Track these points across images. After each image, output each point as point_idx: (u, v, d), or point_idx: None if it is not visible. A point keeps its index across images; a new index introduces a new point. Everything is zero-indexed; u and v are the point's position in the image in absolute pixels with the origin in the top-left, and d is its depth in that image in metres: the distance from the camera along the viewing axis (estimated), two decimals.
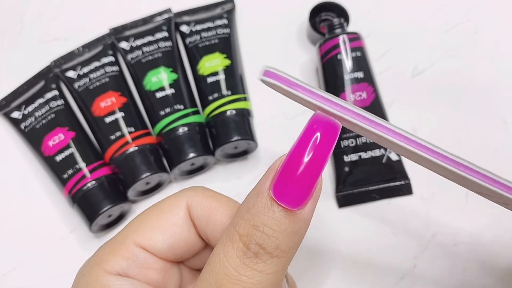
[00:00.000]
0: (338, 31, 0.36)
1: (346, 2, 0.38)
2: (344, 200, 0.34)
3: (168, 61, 0.36)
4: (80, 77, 0.36)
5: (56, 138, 0.34)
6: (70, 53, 0.37)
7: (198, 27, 0.37)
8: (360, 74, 0.34)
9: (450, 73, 0.38)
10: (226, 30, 0.37)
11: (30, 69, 0.37)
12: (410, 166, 0.34)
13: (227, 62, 0.36)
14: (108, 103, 0.34)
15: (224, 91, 0.34)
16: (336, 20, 0.36)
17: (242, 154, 0.35)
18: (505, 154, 0.35)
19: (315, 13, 0.38)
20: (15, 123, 0.35)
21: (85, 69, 0.36)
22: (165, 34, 0.37)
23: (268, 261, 0.16)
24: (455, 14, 0.40)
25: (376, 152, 0.34)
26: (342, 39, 0.35)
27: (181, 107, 0.34)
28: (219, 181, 0.35)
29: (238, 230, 0.16)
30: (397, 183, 0.34)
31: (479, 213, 0.33)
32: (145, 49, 0.36)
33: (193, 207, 0.20)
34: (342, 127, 0.16)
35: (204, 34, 0.37)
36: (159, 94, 0.34)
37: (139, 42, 0.37)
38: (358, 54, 0.35)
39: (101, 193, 0.32)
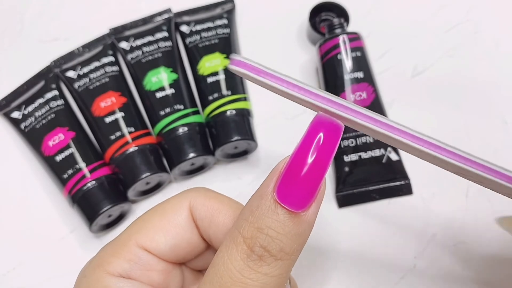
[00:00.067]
0: (338, 31, 0.36)
1: (346, 2, 0.38)
2: (344, 200, 0.34)
3: (168, 61, 0.36)
4: (80, 77, 0.36)
5: (56, 138, 0.34)
6: (70, 53, 0.37)
7: (198, 27, 0.37)
8: (360, 74, 0.34)
9: (450, 73, 0.38)
10: (226, 30, 0.37)
11: (30, 69, 0.37)
12: (410, 166, 0.34)
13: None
14: (108, 103, 0.34)
15: (224, 91, 0.34)
16: (336, 20, 0.36)
17: (242, 154, 0.35)
18: (505, 154, 0.35)
19: (315, 13, 0.38)
20: (15, 123, 0.35)
21: (85, 69, 0.36)
22: (165, 34, 0.37)
23: (273, 264, 0.16)
24: (455, 14, 0.40)
25: (376, 152, 0.34)
26: (342, 39, 0.35)
27: (181, 107, 0.34)
28: (219, 181, 0.35)
29: (242, 233, 0.16)
30: (397, 183, 0.34)
31: (479, 212, 0.33)
32: (145, 49, 0.36)
33: (196, 208, 0.20)
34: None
35: (204, 34, 0.37)
36: (159, 94, 0.34)
37: (139, 42, 0.37)
38: (358, 54, 0.35)
39: (101, 193, 0.32)
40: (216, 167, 0.36)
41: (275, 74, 0.16)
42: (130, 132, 0.33)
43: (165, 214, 0.20)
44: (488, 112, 0.36)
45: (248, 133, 0.34)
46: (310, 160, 0.15)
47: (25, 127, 0.35)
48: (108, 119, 0.34)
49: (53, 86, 0.36)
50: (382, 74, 0.38)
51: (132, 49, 0.36)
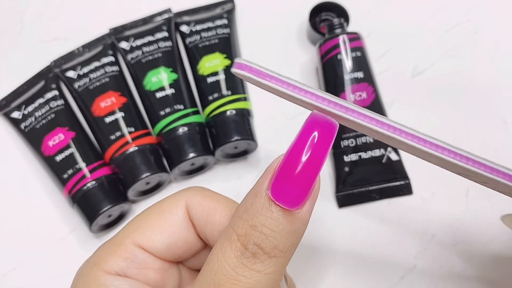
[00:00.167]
0: (338, 31, 0.36)
1: (346, 2, 0.38)
2: (344, 200, 0.34)
3: (168, 61, 0.36)
4: (80, 77, 0.36)
5: (56, 138, 0.34)
6: (70, 53, 0.37)
7: (198, 27, 0.37)
8: (360, 74, 0.34)
9: (450, 73, 0.38)
10: (226, 30, 0.37)
11: (30, 69, 0.37)
12: (410, 166, 0.34)
13: (227, 62, 0.36)
14: (108, 103, 0.34)
15: (224, 91, 0.34)
16: (336, 20, 0.36)
17: (242, 154, 0.35)
18: (505, 154, 0.35)
19: (315, 13, 0.38)
20: (15, 123, 0.35)
21: (85, 69, 0.36)
22: (165, 34, 0.37)
23: (266, 261, 0.16)
24: (455, 14, 0.40)
25: (376, 152, 0.34)
26: (342, 39, 0.35)
27: (181, 107, 0.34)
28: (219, 181, 0.35)
29: (236, 230, 0.16)
30: (397, 183, 0.34)
31: (479, 212, 0.33)
32: (145, 49, 0.36)
33: (192, 207, 0.20)
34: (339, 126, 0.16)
35: (204, 34, 0.37)
36: (159, 94, 0.34)
37: (139, 42, 0.37)
38: (358, 54, 0.35)
39: (101, 193, 0.32)
40: (216, 167, 0.36)
41: (279, 77, 0.16)
42: (130, 132, 0.33)
43: (161, 213, 0.20)
44: (488, 112, 0.36)
45: (248, 133, 0.34)
46: (304, 158, 0.15)
47: (25, 127, 0.35)
48: (108, 119, 0.34)
49: (53, 86, 0.36)
50: (382, 74, 0.38)
51: (132, 49, 0.36)
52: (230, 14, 0.39)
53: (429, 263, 0.32)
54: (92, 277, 0.18)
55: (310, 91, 0.16)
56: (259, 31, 0.40)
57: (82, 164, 0.33)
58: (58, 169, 0.33)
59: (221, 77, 0.35)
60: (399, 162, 0.34)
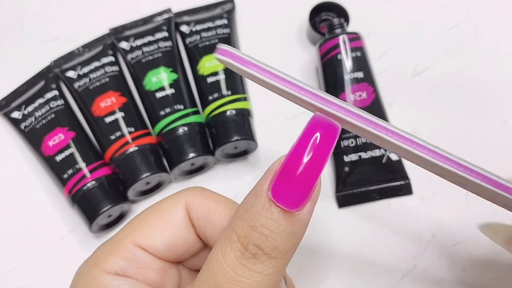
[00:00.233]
0: (338, 31, 0.36)
1: (346, 2, 0.38)
2: (344, 200, 0.34)
3: (168, 61, 0.36)
4: (80, 77, 0.36)
5: (56, 138, 0.34)
6: (70, 53, 0.37)
7: (198, 27, 0.37)
8: (360, 74, 0.34)
9: (450, 73, 0.38)
10: (226, 30, 0.37)
11: (30, 69, 0.37)
12: (410, 166, 0.34)
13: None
14: (108, 103, 0.34)
15: (224, 91, 0.34)
16: (336, 20, 0.36)
17: (242, 154, 0.35)
18: (505, 154, 0.35)
19: (315, 13, 0.38)
20: (15, 123, 0.35)
21: (85, 69, 0.36)
22: (165, 34, 0.37)
23: (266, 262, 0.16)
24: (455, 14, 0.40)
25: (376, 152, 0.34)
26: (342, 39, 0.35)
27: (181, 107, 0.34)
28: (219, 181, 0.35)
29: (236, 231, 0.16)
30: (397, 183, 0.34)
31: (479, 213, 0.33)
32: (145, 49, 0.36)
33: (192, 207, 0.20)
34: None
35: (204, 34, 0.37)
36: (159, 94, 0.34)
37: (139, 42, 0.37)
38: (358, 54, 0.35)
39: (101, 193, 0.32)
40: (216, 167, 0.36)
41: (261, 65, 0.16)
42: (130, 132, 0.33)
43: (161, 213, 0.20)
44: (488, 112, 0.36)
45: (248, 133, 0.34)
46: (305, 159, 0.15)
47: (25, 127, 0.35)
48: (108, 119, 0.34)
49: (53, 86, 0.36)
50: (382, 74, 0.38)
51: (132, 49, 0.36)
52: (230, 14, 0.39)
53: (429, 263, 0.32)
54: (92, 277, 0.18)
55: (292, 81, 0.16)
56: (259, 31, 0.40)
57: (82, 164, 0.33)
58: (58, 169, 0.33)
59: (221, 77, 0.35)
60: (399, 162, 0.34)
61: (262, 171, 0.35)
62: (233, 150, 0.35)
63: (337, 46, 0.35)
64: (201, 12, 0.39)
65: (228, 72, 0.35)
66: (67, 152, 0.33)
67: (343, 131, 0.34)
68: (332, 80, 0.35)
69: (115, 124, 0.34)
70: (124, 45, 0.37)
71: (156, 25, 0.38)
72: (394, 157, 0.34)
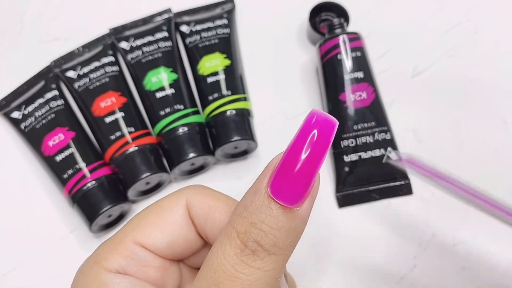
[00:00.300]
0: (338, 31, 0.36)
1: (346, 2, 0.38)
2: (344, 200, 0.34)
3: (168, 61, 0.36)
4: (80, 77, 0.36)
5: (56, 138, 0.34)
6: (70, 53, 0.37)
7: (198, 27, 0.37)
8: (360, 74, 0.34)
9: (450, 73, 0.38)
10: (226, 30, 0.37)
11: (30, 69, 0.37)
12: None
13: (227, 62, 0.36)
14: (108, 103, 0.34)
15: (224, 91, 0.34)
16: (336, 20, 0.36)
17: (242, 154, 0.35)
18: (505, 154, 0.35)
19: (315, 13, 0.38)
20: (15, 123, 0.35)
21: (85, 69, 0.36)
22: (165, 34, 0.37)
23: (266, 258, 0.16)
24: (455, 14, 0.40)
25: (376, 152, 0.34)
26: (342, 39, 0.35)
27: (181, 107, 0.34)
28: (219, 181, 0.35)
29: (236, 228, 0.16)
30: (397, 183, 0.34)
31: (478, 213, 0.33)
32: (145, 49, 0.36)
33: (192, 205, 0.20)
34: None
35: (204, 34, 0.37)
36: (159, 94, 0.34)
37: (139, 42, 0.37)
38: (358, 54, 0.35)
39: (101, 193, 0.32)
40: (216, 167, 0.36)
41: (448, 178, 0.16)
42: (130, 132, 0.33)
43: (162, 212, 0.20)
44: (488, 112, 0.36)
45: (248, 133, 0.34)
46: (303, 156, 0.16)
47: (25, 127, 0.35)
48: (108, 119, 0.34)
49: (53, 86, 0.36)
50: (382, 74, 0.38)
51: (132, 49, 0.36)
52: (230, 14, 0.39)
53: (429, 263, 0.32)
54: (93, 275, 0.18)
55: (489, 200, 0.16)
56: (259, 31, 0.40)
57: (82, 164, 0.33)
58: (58, 169, 0.33)
59: (221, 77, 0.35)
60: None
61: (262, 171, 0.35)
62: (233, 150, 0.35)
63: (337, 46, 0.35)
64: (201, 12, 0.39)
65: (228, 72, 0.35)
66: (67, 152, 0.33)
67: (343, 131, 0.34)
68: (332, 80, 0.35)
69: (115, 124, 0.34)
70: (124, 45, 0.37)
71: (156, 25, 0.38)
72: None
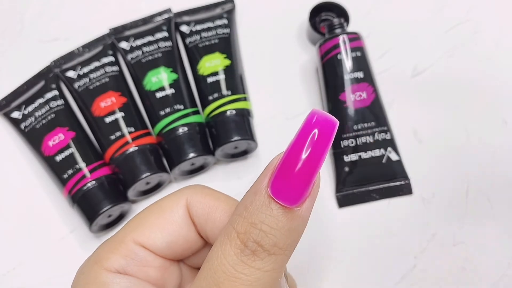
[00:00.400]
0: (338, 31, 0.36)
1: (346, 2, 0.38)
2: (344, 200, 0.34)
3: (168, 61, 0.36)
4: (80, 77, 0.36)
5: (56, 138, 0.34)
6: (70, 53, 0.37)
7: (198, 27, 0.37)
8: (360, 74, 0.34)
9: (450, 73, 0.38)
10: (226, 30, 0.37)
11: (30, 69, 0.37)
12: (410, 166, 0.34)
13: (227, 62, 0.36)
14: (108, 103, 0.34)
15: (224, 91, 0.34)
16: (336, 20, 0.36)
17: (242, 154, 0.35)
18: (505, 154, 0.35)
19: (315, 13, 0.38)
20: (15, 123, 0.35)
21: (85, 69, 0.36)
22: (165, 34, 0.37)
23: (266, 259, 0.16)
24: (455, 14, 0.40)
25: (376, 152, 0.34)
26: (342, 39, 0.35)
27: (181, 107, 0.34)
28: (219, 181, 0.35)
29: (236, 228, 0.16)
30: (397, 183, 0.34)
31: (479, 212, 0.33)
32: (145, 49, 0.36)
33: (192, 205, 0.20)
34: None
35: (204, 34, 0.37)
36: (159, 94, 0.34)
37: (139, 42, 0.37)
38: (358, 54, 0.35)
39: (101, 193, 0.32)
40: (216, 167, 0.36)
41: None
42: (130, 132, 0.33)
43: (162, 212, 0.20)
44: (488, 112, 0.36)
45: (248, 133, 0.34)
46: (304, 156, 0.15)
47: (25, 127, 0.35)
48: (108, 119, 0.34)
49: (53, 86, 0.36)
50: (382, 74, 0.38)
51: (132, 49, 0.36)
52: (230, 14, 0.39)
53: (429, 263, 0.32)
54: (93, 275, 0.18)
55: None
56: (259, 31, 0.40)
57: (82, 164, 0.33)
58: (58, 169, 0.33)
59: (221, 77, 0.35)
60: (399, 162, 0.34)
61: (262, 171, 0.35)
62: (233, 150, 0.35)
63: (337, 46, 0.35)
64: (201, 12, 0.39)
65: (228, 72, 0.35)
66: (67, 152, 0.33)
67: (344, 131, 0.34)
68: (332, 80, 0.35)
69: (115, 124, 0.34)
70: (124, 45, 0.37)
71: (156, 25, 0.38)
72: (394, 157, 0.34)
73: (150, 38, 0.37)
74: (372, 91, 0.34)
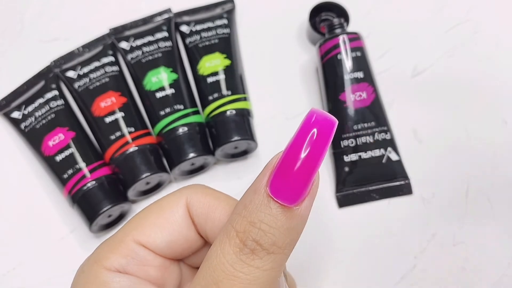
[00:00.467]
0: (338, 31, 0.36)
1: (346, 2, 0.38)
2: (344, 200, 0.34)
3: (168, 61, 0.36)
4: (80, 77, 0.36)
5: (56, 138, 0.34)
6: (70, 53, 0.37)
7: (198, 27, 0.37)
8: (360, 74, 0.34)
9: (450, 73, 0.38)
10: (226, 30, 0.37)
11: (30, 69, 0.37)
12: (410, 166, 0.34)
13: (227, 62, 0.36)
14: (108, 103, 0.34)
15: (224, 91, 0.34)
16: (336, 20, 0.36)
17: (242, 154, 0.35)
18: (505, 154, 0.35)
19: (315, 13, 0.38)
20: (15, 123, 0.35)
21: (85, 69, 0.36)
22: (165, 34, 0.37)
23: (265, 258, 0.16)
24: (455, 14, 0.40)
25: (376, 152, 0.34)
26: (342, 39, 0.35)
27: (181, 107, 0.34)
28: (219, 181, 0.35)
29: (235, 227, 0.16)
30: (397, 183, 0.34)
31: (479, 212, 0.33)
32: (145, 49, 0.36)
33: (192, 204, 0.20)
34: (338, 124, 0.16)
35: (204, 34, 0.37)
36: (159, 94, 0.34)
37: (139, 42, 0.37)
38: (358, 54, 0.35)
39: (101, 193, 0.32)
40: (216, 167, 0.36)
41: None
42: (130, 132, 0.33)
43: (162, 211, 0.20)
44: (488, 112, 0.36)
45: (248, 133, 0.34)
46: (303, 155, 0.16)
47: (25, 127, 0.35)
48: (108, 119, 0.34)
49: (53, 86, 0.36)
50: (382, 74, 0.38)
51: (132, 49, 0.36)
52: (230, 14, 0.39)
53: (429, 263, 0.32)
54: (93, 274, 0.18)
55: None
56: (259, 31, 0.40)
57: (82, 164, 0.33)
58: (58, 169, 0.33)
59: (221, 77, 0.35)
60: (399, 162, 0.34)
61: None
62: (233, 150, 0.35)
63: (337, 46, 0.35)
64: (201, 12, 0.39)
65: (228, 72, 0.35)
66: (67, 152, 0.33)
67: (343, 131, 0.34)
68: (332, 80, 0.35)
69: (115, 124, 0.34)
70: (124, 45, 0.37)
71: (156, 25, 0.38)
72: (394, 157, 0.34)
73: (150, 38, 0.37)
74: (372, 91, 0.34)
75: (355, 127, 0.34)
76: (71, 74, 0.36)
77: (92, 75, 0.36)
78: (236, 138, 0.33)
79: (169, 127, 0.33)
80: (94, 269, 0.18)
